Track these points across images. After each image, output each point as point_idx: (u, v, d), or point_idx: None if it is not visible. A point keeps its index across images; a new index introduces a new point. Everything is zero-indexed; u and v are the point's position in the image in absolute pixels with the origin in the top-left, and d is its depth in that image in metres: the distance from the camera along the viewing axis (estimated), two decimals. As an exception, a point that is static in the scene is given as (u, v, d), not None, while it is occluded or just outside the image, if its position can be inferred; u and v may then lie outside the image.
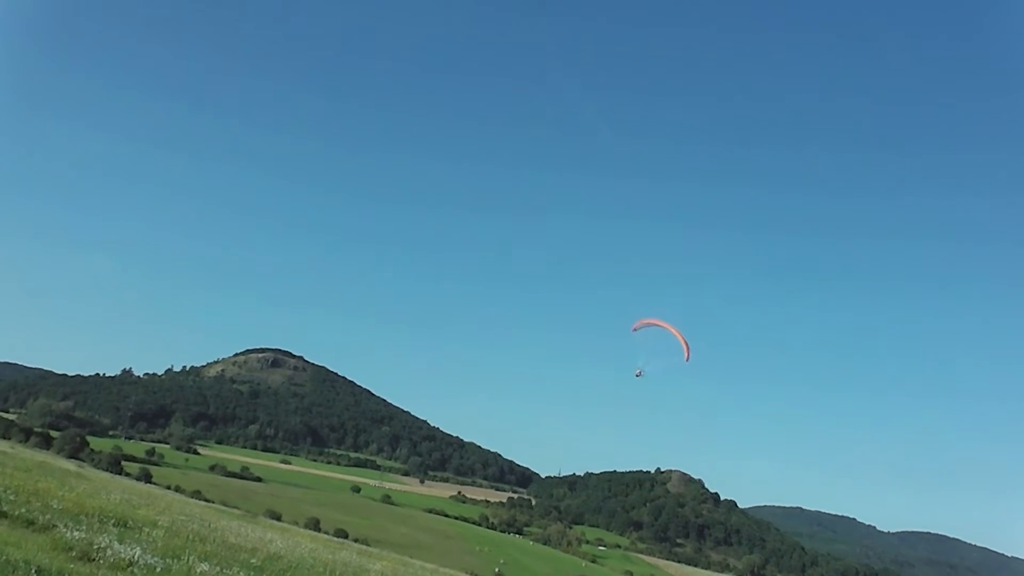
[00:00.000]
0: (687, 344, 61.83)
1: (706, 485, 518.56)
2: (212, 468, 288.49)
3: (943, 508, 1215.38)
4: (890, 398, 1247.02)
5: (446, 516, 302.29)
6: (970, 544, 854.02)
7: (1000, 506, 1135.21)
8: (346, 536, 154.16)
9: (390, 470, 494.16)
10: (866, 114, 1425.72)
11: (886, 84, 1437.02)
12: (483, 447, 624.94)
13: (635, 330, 64.08)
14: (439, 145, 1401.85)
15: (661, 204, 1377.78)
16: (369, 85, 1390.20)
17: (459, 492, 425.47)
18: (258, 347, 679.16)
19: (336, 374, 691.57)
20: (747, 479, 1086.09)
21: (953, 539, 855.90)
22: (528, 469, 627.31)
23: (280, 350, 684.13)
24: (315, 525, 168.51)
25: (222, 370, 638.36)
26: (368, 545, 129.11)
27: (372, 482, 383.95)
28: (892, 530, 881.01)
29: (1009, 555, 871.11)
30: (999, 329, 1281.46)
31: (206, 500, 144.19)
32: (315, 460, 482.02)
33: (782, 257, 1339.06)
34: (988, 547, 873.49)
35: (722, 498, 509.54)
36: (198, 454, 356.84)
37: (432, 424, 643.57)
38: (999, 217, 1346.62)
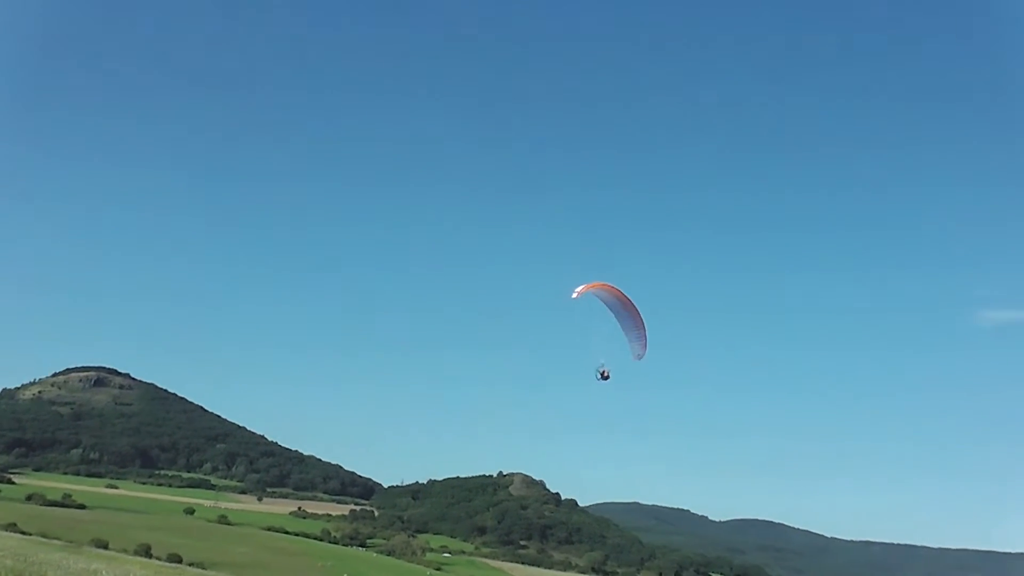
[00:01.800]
0: (644, 331, 52.74)
1: (548, 486, 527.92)
2: (29, 498, 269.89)
3: (770, 496, 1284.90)
4: (716, 393, 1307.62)
5: (286, 533, 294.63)
6: (795, 528, 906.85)
7: (821, 493, 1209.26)
8: (180, 560, 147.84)
9: (226, 489, 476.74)
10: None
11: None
12: (324, 460, 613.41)
13: (577, 296, 52.82)
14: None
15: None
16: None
17: (299, 508, 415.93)
18: (80, 366, 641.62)
19: (167, 391, 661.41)
20: (587, 478, 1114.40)
21: (780, 524, 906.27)
22: (371, 480, 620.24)
23: (105, 368, 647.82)
24: (146, 551, 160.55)
25: (39, 392, 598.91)
26: (205, 568, 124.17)
27: (207, 502, 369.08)
28: (723, 519, 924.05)
29: (829, 536, 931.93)
30: (812, 321, 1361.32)
31: (23, 532, 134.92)
32: (145, 483, 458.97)
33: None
34: (811, 530, 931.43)
35: (563, 498, 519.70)
36: (13, 483, 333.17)
37: (270, 439, 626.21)
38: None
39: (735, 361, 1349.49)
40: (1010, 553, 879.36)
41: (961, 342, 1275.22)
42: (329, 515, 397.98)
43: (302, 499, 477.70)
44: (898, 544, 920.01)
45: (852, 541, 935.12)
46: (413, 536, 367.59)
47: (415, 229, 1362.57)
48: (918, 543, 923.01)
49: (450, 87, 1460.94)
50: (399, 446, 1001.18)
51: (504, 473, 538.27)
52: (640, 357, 54.58)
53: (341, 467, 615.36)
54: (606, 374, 55.08)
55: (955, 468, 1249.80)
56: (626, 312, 53.66)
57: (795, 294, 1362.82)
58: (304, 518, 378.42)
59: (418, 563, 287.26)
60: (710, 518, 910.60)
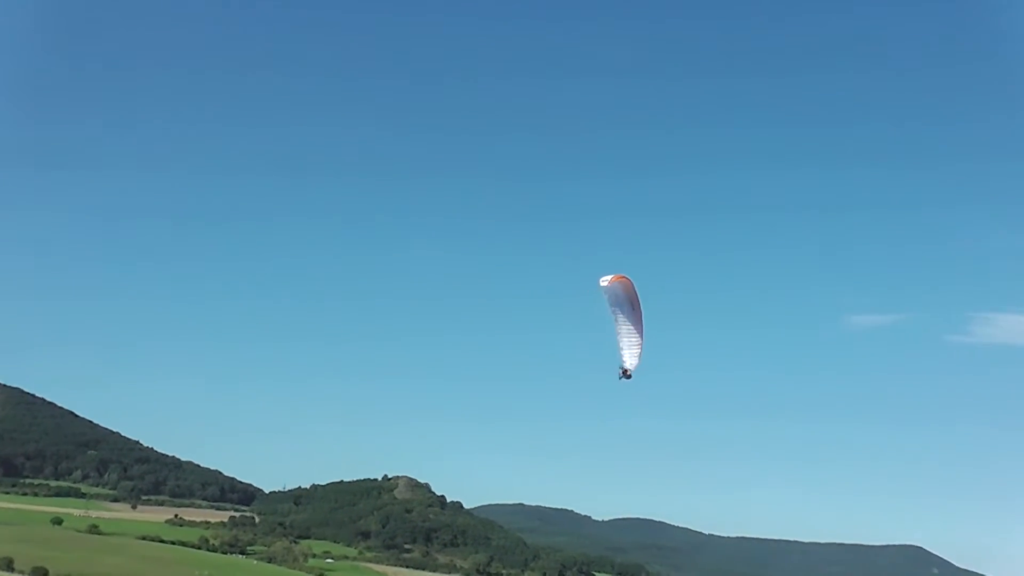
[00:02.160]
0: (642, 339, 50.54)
1: (433, 489, 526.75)
2: None
3: (651, 495, 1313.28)
4: (599, 396, 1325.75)
5: (162, 542, 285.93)
6: (675, 526, 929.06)
7: (698, 490, 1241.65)
8: (46, 573, 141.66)
9: (98, 497, 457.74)
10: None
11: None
12: (202, 466, 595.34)
13: (608, 284, 50.47)
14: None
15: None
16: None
17: (176, 515, 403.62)
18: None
19: (33, 396, 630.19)
20: (473, 480, 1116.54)
21: (660, 522, 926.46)
22: (251, 486, 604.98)
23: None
24: (8, 565, 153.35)
25: None
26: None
27: (76, 512, 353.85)
28: (606, 518, 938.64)
29: (707, 533, 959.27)
30: (691, 330, 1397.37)
31: None
32: (8, 493, 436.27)
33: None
34: (690, 527, 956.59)
35: (449, 500, 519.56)
36: None
37: (145, 444, 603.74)
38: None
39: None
40: (874, 546, 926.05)
41: (831, 346, 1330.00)
42: (207, 522, 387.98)
43: (179, 507, 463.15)
44: (771, 539, 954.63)
45: (728, 537, 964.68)
46: (295, 542, 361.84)
47: (287, 220, 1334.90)
48: (790, 538, 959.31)
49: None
50: (281, 450, 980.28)
51: (389, 476, 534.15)
52: (633, 368, 52.85)
53: (220, 473, 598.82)
54: (629, 373, 53.45)
55: (825, 465, 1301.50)
56: (635, 316, 51.88)
57: (678, 304, 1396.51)
58: (181, 526, 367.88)
59: (300, 569, 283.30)
60: (593, 518, 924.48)
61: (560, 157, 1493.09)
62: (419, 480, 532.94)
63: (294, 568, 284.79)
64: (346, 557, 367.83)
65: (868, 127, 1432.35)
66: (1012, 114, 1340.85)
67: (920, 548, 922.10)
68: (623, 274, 50.82)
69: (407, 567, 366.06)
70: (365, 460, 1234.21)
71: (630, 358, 52.44)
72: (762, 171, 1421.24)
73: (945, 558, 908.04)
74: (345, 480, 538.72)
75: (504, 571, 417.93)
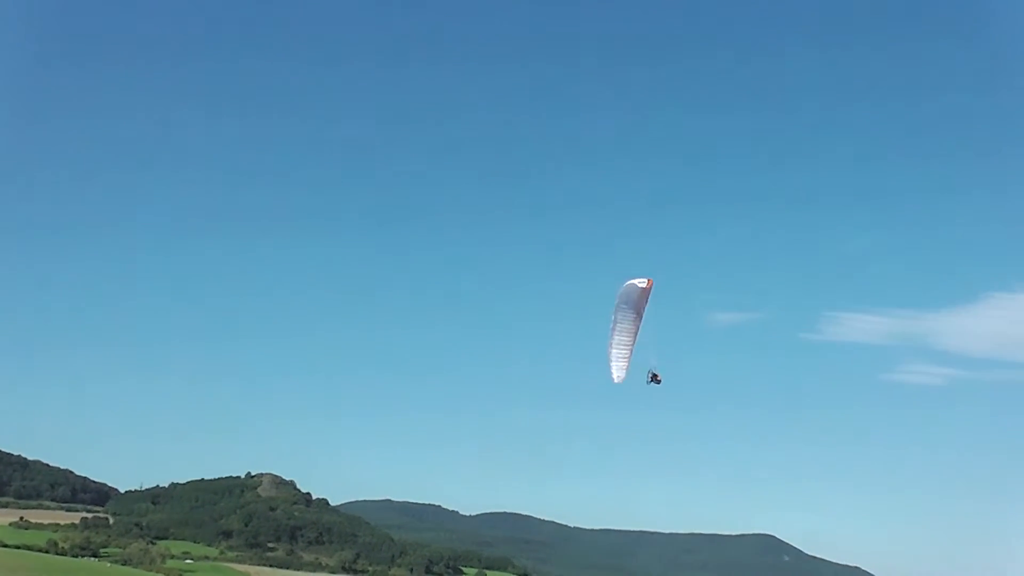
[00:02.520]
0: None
1: (299, 486, 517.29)
2: None
3: (517, 489, 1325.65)
4: (465, 386, 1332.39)
5: (5, 546, 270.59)
6: (542, 520, 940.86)
7: (564, 484, 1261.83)
8: None
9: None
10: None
11: None
12: (51, 464, 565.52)
13: (645, 288, 48.80)
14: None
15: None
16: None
17: (21, 518, 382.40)
18: None
19: None
20: (339, 476, 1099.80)
21: (527, 516, 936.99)
22: (106, 485, 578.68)
23: None
24: None
25: None
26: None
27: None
28: (474, 513, 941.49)
29: (573, 526, 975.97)
30: (556, 326, 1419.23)
31: None
32: None
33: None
34: (557, 521, 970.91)
35: (315, 497, 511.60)
36: None
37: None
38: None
39: (487, 354, 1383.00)
40: (730, 535, 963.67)
41: (693, 341, 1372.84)
42: (57, 524, 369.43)
43: (25, 508, 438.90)
44: (633, 531, 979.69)
45: (593, 529, 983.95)
46: (152, 543, 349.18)
47: (136, 216, 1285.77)
48: (651, 529, 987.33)
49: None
50: (138, 448, 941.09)
51: (252, 474, 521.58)
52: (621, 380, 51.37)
53: (72, 472, 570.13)
54: (658, 378, 52.25)
55: (686, 457, 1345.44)
56: (638, 323, 50.75)
57: (548, 293, 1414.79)
58: (27, 529, 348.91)
59: (157, 571, 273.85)
60: (461, 513, 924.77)
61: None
62: (284, 477, 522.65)
63: (151, 570, 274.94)
64: (207, 557, 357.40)
65: (726, 122, 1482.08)
66: (871, 113, 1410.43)
67: (773, 537, 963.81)
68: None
69: (271, 566, 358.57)
70: (227, 458, 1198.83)
71: (620, 368, 51.50)
72: (628, 166, 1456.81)
73: (796, 546, 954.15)
74: (206, 478, 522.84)
75: (371, 568, 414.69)
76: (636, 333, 50.49)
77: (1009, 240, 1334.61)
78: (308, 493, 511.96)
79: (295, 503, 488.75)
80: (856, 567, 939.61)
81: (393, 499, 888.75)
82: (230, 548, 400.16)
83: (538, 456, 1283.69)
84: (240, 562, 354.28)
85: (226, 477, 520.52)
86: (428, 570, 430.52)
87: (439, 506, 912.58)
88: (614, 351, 50.25)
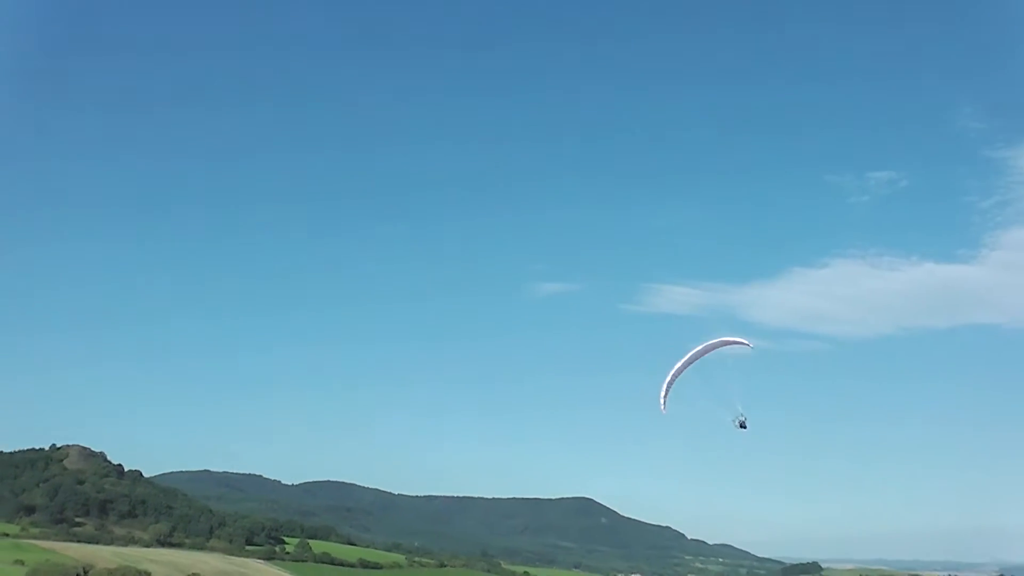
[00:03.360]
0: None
1: (109, 457, 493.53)
2: None
3: (339, 458, 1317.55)
4: (281, 355, 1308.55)
5: None
6: (365, 487, 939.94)
7: (388, 453, 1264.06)
8: None
9: None
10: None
11: None
12: None
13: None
14: None
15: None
16: None
17: None
18: None
19: None
20: (153, 447, 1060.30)
21: (350, 484, 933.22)
22: None
23: None
24: None
25: None
26: None
27: None
28: (296, 482, 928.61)
29: (396, 493, 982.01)
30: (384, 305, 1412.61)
31: None
32: None
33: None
34: (380, 488, 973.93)
35: (127, 469, 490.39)
36: None
37: None
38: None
39: (306, 325, 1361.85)
40: (549, 499, 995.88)
41: (518, 311, 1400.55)
42: None
43: None
44: (456, 496, 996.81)
45: (416, 496, 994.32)
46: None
47: None
48: (474, 495, 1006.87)
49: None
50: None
51: (58, 446, 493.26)
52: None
53: None
54: (744, 423, 54.67)
55: (507, 423, 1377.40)
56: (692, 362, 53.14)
57: (397, 272, 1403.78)
58: None
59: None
60: (283, 482, 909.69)
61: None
62: (93, 449, 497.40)
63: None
64: (6, 535, 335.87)
65: (557, 99, 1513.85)
66: (683, 96, 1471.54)
67: (590, 500, 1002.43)
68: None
69: (78, 541, 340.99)
70: (29, 428, 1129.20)
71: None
72: (454, 145, 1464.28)
73: (612, 508, 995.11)
74: (4, 451, 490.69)
75: (187, 540, 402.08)
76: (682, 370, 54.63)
77: (810, 219, 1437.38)
78: (120, 465, 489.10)
79: (105, 475, 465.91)
80: (667, 527, 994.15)
81: (212, 469, 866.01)
82: (33, 524, 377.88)
83: (361, 425, 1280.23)
84: (44, 538, 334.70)
85: (28, 449, 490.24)
86: (249, 541, 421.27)
87: (260, 476, 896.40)
88: (666, 387, 54.34)
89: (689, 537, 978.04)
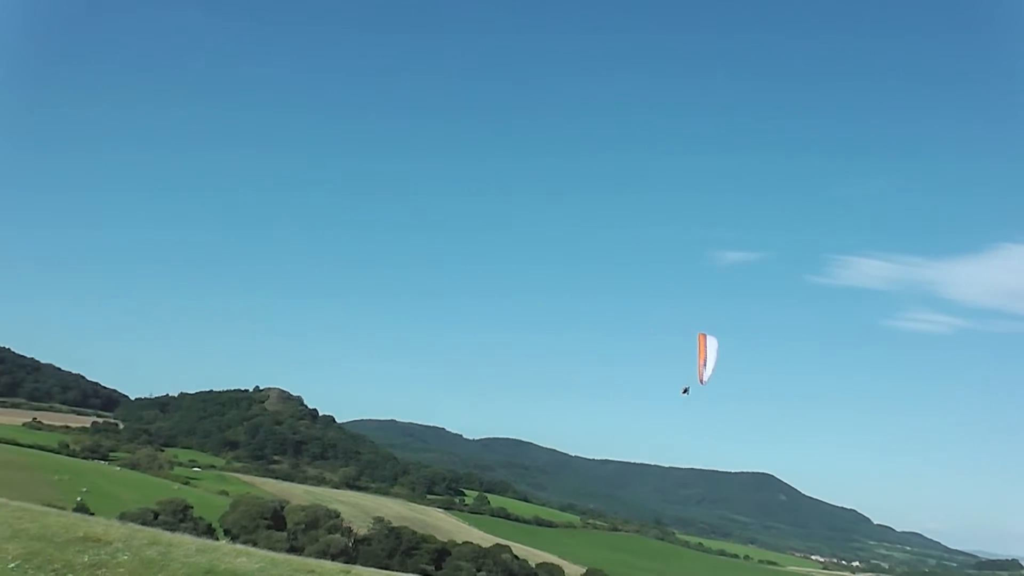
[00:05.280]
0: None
1: (305, 402, 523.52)
2: None
3: (519, 417, 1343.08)
4: (473, 314, 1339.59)
5: (18, 445, 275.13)
6: (542, 447, 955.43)
7: (566, 414, 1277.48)
8: None
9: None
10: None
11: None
12: (63, 369, 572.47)
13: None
14: None
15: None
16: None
17: (34, 419, 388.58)
18: None
19: None
20: (346, 395, 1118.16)
21: (527, 443, 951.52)
22: (116, 391, 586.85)
23: None
24: None
25: None
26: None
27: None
28: (476, 437, 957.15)
29: (572, 454, 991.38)
30: (573, 268, 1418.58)
31: None
32: None
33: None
34: (557, 449, 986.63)
35: (321, 414, 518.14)
36: None
37: (1, 345, 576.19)
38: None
39: (500, 286, 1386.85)
40: (728, 472, 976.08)
41: (701, 278, 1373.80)
42: (68, 427, 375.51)
43: (37, 410, 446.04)
44: (632, 463, 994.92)
45: (591, 459, 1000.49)
46: (160, 450, 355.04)
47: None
48: (649, 462, 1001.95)
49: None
50: (149, 357, 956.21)
51: (260, 388, 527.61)
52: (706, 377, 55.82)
53: (83, 377, 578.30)
54: (687, 389, 56.63)
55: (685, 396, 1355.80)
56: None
57: (574, 234, 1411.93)
58: (39, 429, 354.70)
59: (164, 477, 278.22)
60: (464, 436, 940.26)
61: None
62: (291, 393, 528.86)
63: (158, 476, 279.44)
64: (212, 467, 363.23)
65: (740, 79, 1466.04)
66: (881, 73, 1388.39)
67: (771, 476, 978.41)
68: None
69: (275, 478, 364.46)
70: (237, 371, 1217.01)
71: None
72: (642, 115, 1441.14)
73: (794, 486, 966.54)
74: (214, 390, 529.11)
75: (372, 484, 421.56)
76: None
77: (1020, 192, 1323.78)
78: (315, 409, 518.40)
79: (301, 418, 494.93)
80: (853, 509, 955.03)
81: (398, 419, 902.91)
82: (236, 459, 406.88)
83: (542, 384, 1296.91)
84: (245, 473, 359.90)
85: (234, 390, 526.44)
86: (429, 490, 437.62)
87: (443, 429, 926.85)
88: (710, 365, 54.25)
89: (875, 522, 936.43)
